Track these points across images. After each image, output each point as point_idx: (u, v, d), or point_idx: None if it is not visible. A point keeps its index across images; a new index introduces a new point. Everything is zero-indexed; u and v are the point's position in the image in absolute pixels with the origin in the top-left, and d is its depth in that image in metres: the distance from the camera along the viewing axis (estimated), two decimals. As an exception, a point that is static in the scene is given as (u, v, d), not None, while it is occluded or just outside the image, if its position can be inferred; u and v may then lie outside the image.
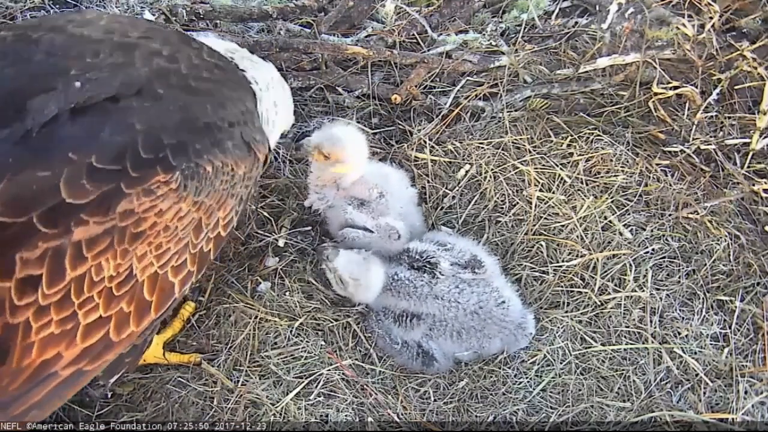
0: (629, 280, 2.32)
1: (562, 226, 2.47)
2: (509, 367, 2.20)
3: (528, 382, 2.17)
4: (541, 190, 2.53)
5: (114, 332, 1.57)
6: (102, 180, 1.46)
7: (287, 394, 2.06)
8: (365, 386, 2.13)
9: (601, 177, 2.57)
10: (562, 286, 2.36)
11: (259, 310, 2.23)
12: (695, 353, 2.19)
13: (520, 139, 2.64)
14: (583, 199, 2.51)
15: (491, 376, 2.20)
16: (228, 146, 1.70)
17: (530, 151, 2.61)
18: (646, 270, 2.34)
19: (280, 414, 2.03)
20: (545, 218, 2.49)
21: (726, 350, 2.20)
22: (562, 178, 2.55)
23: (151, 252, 1.57)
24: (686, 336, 2.23)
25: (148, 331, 1.74)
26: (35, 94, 1.51)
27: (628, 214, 2.48)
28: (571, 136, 2.64)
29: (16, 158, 1.43)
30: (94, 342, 1.55)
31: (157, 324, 1.83)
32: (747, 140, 2.63)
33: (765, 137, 2.61)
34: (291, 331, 2.19)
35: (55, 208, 1.41)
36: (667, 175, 2.59)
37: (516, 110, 2.78)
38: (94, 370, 1.59)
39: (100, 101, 1.54)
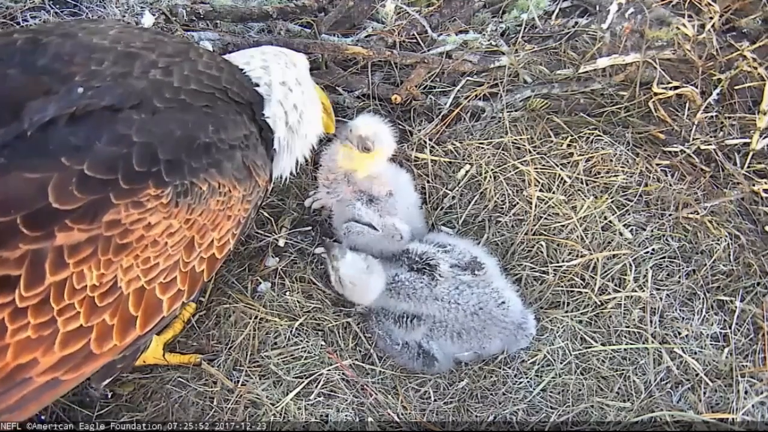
0: (629, 280, 2.32)
1: (562, 226, 2.47)
2: (509, 367, 2.20)
3: (528, 382, 2.17)
4: (541, 190, 2.53)
5: (95, 344, 1.55)
6: (91, 188, 1.45)
7: (287, 394, 2.06)
8: (365, 386, 2.13)
9: (601, 177, 2.57)
10: (562, 286, 2.36)
11: (259, 310, 2.23)
12: (695, 353, 2.19)
13: (520, 139, 2.64)
14: (583, 199, 2.51)
15: (491, 376, 2.20)
16: (226, 167, 1.69)
17: (530, 151, 2.61)
18: (646, 270, 2.34)
19: (280, 414, 2.03)
20: (545, 218, 2.49)
21: (726, 350, 2.20)
22: (562, 178, 2.55)
23: (137, 265, 1.56)
24: (686, 336, 2.23)
25: (137, 344, 1.72)
26: (35, 97, 1.51)
27: (628, 214, 2.48)
28: (571, 136, 2.64)
29: (7, 158, 1.42)
30: (73, 351, 1.52)
31: (150, 336, 1.82)
32: (747, 140, 2.63)
33: (765, 137, 2.61)
34: (291, 331, 2.19)
35: (40, 212, 1.40)
36: (667, 175, 2.59)
37: (516, 110, 2.78)
38: (73, 380, 1.57)
39: (99, 109, 1.54)
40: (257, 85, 1.96)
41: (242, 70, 1.98)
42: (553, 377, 2.16)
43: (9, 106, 1.49)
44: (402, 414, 2.09)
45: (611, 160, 2.59)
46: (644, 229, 2.45)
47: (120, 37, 1.75)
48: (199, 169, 1.62)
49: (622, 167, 2.58)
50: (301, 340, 2.19)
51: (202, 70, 1.80)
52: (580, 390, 2.14)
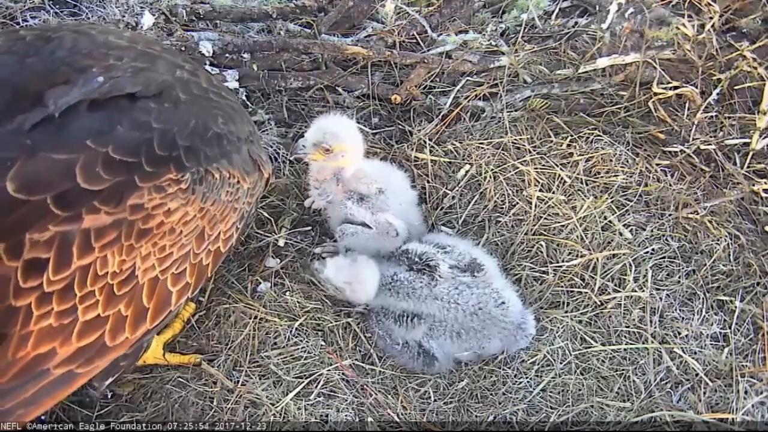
0: (629, 280, 2.32)
1: (562, 226, 2.47)
2: (509, 367, 2.20)
3: (528, 382, 2.17)
4: (541, 190, 2.53)
5: (109, 336, 1.57)
6: (117, 170, 1.48)
7: (287, 394, 2.06)
8: (365, 386, 2.13)
9: (601, 177, 2.57)
10: (562, 286, 2.36)
11: (259, 310, 2.23)
12: (695, 353, 2.19)
13: (520, 139, 2.64)
14: (583, 199, 2.51)
15: (491, 376, 2.20)
16: (235, 159, 1.73)
17: (530, 151, 2.61)
18: (646, 270, 2.34)
19: (280, 414, 2.02)
20: (545, 218, 2.49)
21: (726, 350, 2.20)
22: (562, 178, 2.55)
23: (154, 254, 1.58)
24: (686, 336, 2.23)
25: (141, 341, 1.73)
26: (56, 85, 1.53)
27: (628, 214, 2.48)
28: (571, 136, 2.64)
29: (33, 141, 1.44)
30: (88, 343, 1.54)
31: (153, 334, 1.83)
32: (747, 140, 2.64)
33: (765, 137, 2.62)
34: (291, 331, 2.19)
35: (69, 192, 1.42)
36: (667, 175, 2.59)
37: (516, 110, 2.78)
38: (86, 374, 1.58)
39: (118, 96, 1.57)
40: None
41: None
42: (553, 377, 2.16)
43: (31, 93, 1.51)
44: (402, 414, 2.09)
45: (611, 160, 2.59)
46: (644, 229, 2.45)
47: (137, 39, 1.80)
48: (213, 158, 1.66)
49: (622, 167, 2.58)
50: (301, 340, 2.18)
51: (217, 84, 1.87)
52: (580, 390, 2.14)
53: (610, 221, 2.46)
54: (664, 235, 2.44)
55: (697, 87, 2.70)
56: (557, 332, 2.25)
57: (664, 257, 2.39)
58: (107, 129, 1.51)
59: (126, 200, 1.49)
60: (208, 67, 2.67)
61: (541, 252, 2.44)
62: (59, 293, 1.46)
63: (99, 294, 1.52)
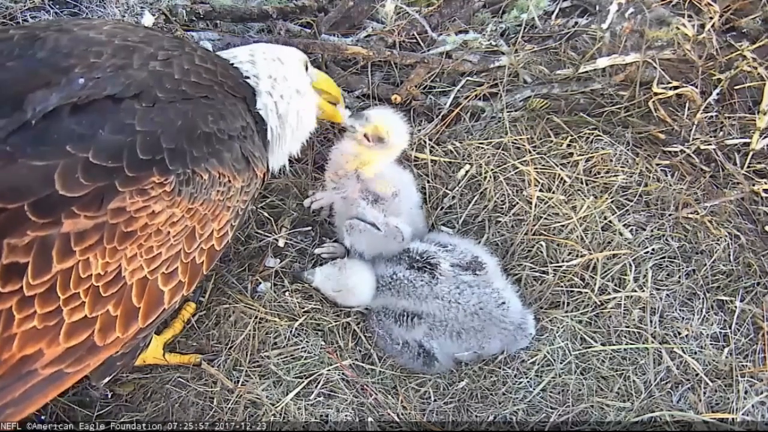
0: (629, 280, 2.32)
1: (562, 226, 2.47)
2: (509, 367, 2.20)
3: (528, 382, 2.17)
4: (541, 190, 2.53)
5: (99, 336, 1.56)
6: (97, 176, 1.46)
7: (287, 394, 2.06)
8: (365, 386, 2.13)
9: (601, 177, 2.57)
10: (562, 286, 2.36)
11: (259, 310, 2.23)
12: (695, 353, 2.19)
13: (520, 139, 2.64)
14: (583, 199, 2.51)
15: (491, 376, 2.20)
16: (226, 158, 1.71)
17: (530, 151, 2.61)
18: (646, 270, 2.34)
19: (280, 414, 2.03)
20: (545, 218, 2.49)
21: (726, 350, 2.20)
22: (562, 178, 2.55)
23: (141, 255, 1.57)
24: (686, 336, 2.23)
25: (137, 340, 1.72)
26: (37, 88, 1.52)
27: (628, 214, 2.48)
28: (571, 136, 2.64)
29: (13, 147, 1.43)
30: (77, 343, 1.53)
31: (150, 332, 1.82)
32: (747, 140, 2.64)
33: (765, 137, 2.61)
34: (291, 331, 2.19)
35: (47, 199, 1.41)
36: (667, 175, 2.59)
37: (516, 110, 2.78)
38: (76, 373, 1.57)
39: (101, 99, 1.55)
40: (247, 78, 1.98)
41: (231, 63, 2.00)
42: (553, 377, 2.16)
43: (11, 97, 1.50)
44: (402, 414, 2.09)
45: (611, 160, 2.59)
46: (644, 229, 2.45)
47: (115, 31, 1.76)
48: (200, 159, 1.64)
49: (622, 167, 2.58)
50: (301, 340, 2.19)
51: (199, 63, 1.82)
52: (580, 390, 2.14)
53: (610, 221, 2.46)
54: (664, 235, 2.44)
55: (697, 87, 2.70)
56: (557, 332, 2.25)
57: (664, 257, 2.40)
58: (89, 133, 1.49)
59: (107, 205, 1.47)
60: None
61: (541, 252, 2.44)
62: (41, 296, 1.45)
63: (84, 296, 1.50)
